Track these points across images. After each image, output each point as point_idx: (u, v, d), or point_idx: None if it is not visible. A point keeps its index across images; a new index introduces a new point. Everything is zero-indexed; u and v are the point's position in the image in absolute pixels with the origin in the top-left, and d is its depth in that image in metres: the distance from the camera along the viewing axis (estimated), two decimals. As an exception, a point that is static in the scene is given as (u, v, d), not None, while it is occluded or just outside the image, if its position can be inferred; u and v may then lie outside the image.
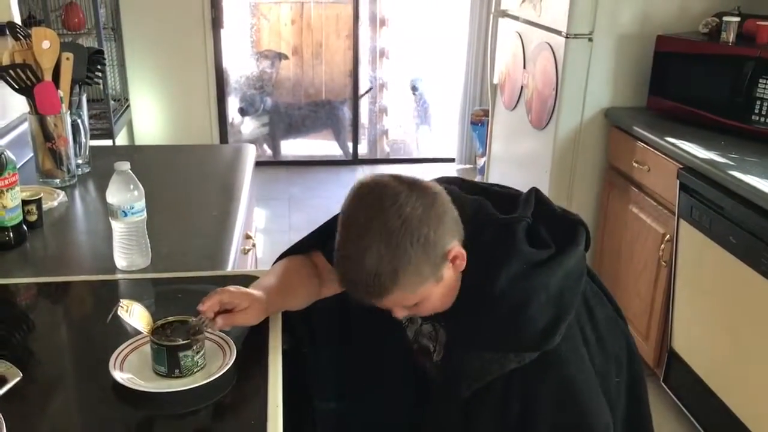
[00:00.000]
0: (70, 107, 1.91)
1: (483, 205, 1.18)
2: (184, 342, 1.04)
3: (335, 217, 1.38)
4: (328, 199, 4.41)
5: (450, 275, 1.11)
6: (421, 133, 5.55)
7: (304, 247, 1.39)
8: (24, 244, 1.54)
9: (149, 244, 1.46)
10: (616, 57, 2.76)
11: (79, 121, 1.96)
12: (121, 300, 1.05)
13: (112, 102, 3.98)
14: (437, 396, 1.26)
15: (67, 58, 1.84)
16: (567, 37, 2.73)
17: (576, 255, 1.15)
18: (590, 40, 2.72)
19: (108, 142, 3.85)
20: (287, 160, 5.27)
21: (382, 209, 1.03)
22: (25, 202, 1.59)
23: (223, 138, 4.76)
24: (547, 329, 1.10)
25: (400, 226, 1.02)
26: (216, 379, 1.05)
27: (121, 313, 1.03)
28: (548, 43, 2.89)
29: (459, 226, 1.11)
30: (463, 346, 1.17)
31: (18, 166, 1.99)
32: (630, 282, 2.66)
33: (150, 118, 4.57)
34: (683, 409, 2.35)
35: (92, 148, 2.13)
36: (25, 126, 2.00)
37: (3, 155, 1.42)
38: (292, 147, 5.39)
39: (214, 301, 1.13)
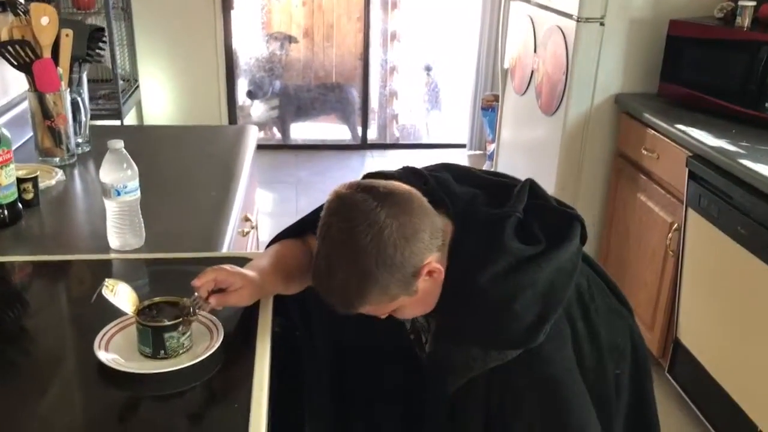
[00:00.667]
0: (70, 85, 1.89)
1: (473, 199, 1.16)
2: (169, 323, 1.03)
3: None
4: (336, 183, 4.35)
5: (427, 286, 1.10)
6: (432, 117, 5.50)
7: (298, 229, 1.36)
8: (19, 222, 1.53)
9: (143, 224, 1.44)
10: (628, 42, 2.70)
11: (79, 99, 1.94)
12: (106, 279, 1.03)
13: (120, 82, 3.97)
14: (428, 388, 1.25)
15: (67, 35, 1.82)
16: (578, 21, 2.68)
17: (569, 250, 1.12)
18: (602, 24, 2.67)
19: (116, 123, 3.85)
20: (296, 143, 5.25)
21: (352, 229, 1.03)
22: (21, 180, 1.58)
23: (232, 120, 4.74)
24: (532, 327, 1.08)
25: (367, 247, 1.02)
26: (202, 361, 1.03)
27: (105, 292, 1.01)
28: (559, 27, 2.84)
29: (437, 235, 1.09)
30: (448, 340, 1.16)
31: (18, 145, 1.99)
32: (637, 271, 2.62)
33: (159, 99, 4.55)
34: (687, 399, 2.32)
35: (93, 127, 2.12)
36: (25, 104, 1.98)
37: (-3, 132, 1.40)
38: (301, 130, 5.37)
39: (209, 278, 1.11)
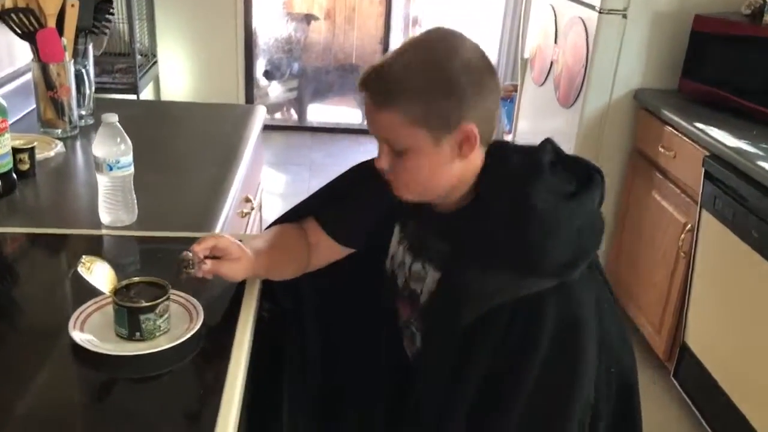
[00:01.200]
0: (74, 56, 1.87)
1: (505, 141, 1.14)
2: (146, 304, 1.00)
3: (330, 183, 1.33)
4: (349, 166, 4.34)
5: (450, 155, 1.03)
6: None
7: (297, 213, 1.33)
8: (13, 192, 1.51)
9: (136, 200, 1.41)
10: (650, 35, 2.63)
11: (83, 71, 1.92)
12: (83, 256, 1.00)
13: (138, 57, 3.95)
14: (431, 330, 1.15)
15: (72, 5, 1.79)
16: (600, 12, 2.60)
17: (596, 197, 1.08)
18: (624, 16, 2.59)
19: (132, 97, 3.83)
20: (311, 126, 5.21)
21: (439, 41, 1.04)
22: (17, 150, 1.55)
23: (249, 100, 4.71)
24: (570, 262, 1.02)
25: (439, 56, 1.01)
26: (179, 344, 1.00)
27: (81, 270, 0.98)
28: (581, 18, 2.77)
29: (490, 120, 1.05)
30: (477, 263, 1.05)
31: (22, 115, 1.97)
32: (647, 271, 2.56)
33: (177, 75, 4.53)
34: (690, 404, 2.26)
35: (99, 100, 2.09)
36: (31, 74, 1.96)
37: (-9, 100, 1.38)
38: (318, 113, 5.33)
39: (209, 244, 1.09)
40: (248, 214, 1.85)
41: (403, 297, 1.23)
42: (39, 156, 1.66)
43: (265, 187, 3.95)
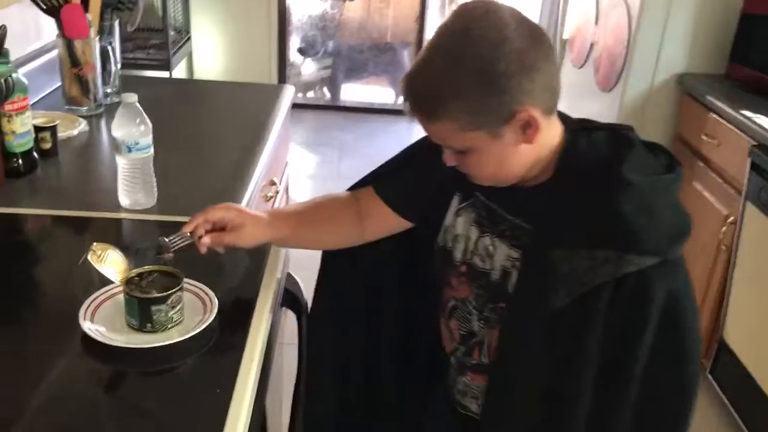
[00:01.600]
0: (100, 33, 1.83)
1: (582, 118, 1.06)
2: (157, 295, 0.96)
3: (392, 158, 1.25)
4: (381, 149, 4.28)
5: (515, 142, 0.97)
6: (486, 86, 5.33)
7: (363, 182, 1.26)
8: (34, 172, 1.49)
9: (155, 183, 1.38)
10: (697, 17, 2.51)
11: (109, 48, 1.89)
12: (93, 244, 0.97)
13: (171, 33, 3.92)
14: (518, 312, 1.05)
15: (98, -19, 1.75)
16: (644, -8, 2.49)
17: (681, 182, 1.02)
18: (670, -4, 2.48)
19: (165, 74, 3.81)
20: (344, 105, 5.16)
21: (473, 22, 0.92)
22: (38, 129, 1.53)
23: (282, 78, 4.67)
24: (672, 238, 0.96)
25: (479, 44, 0.91)
26: (190, 338, 0.96)
27: (91, 258, 0.95)
28: (623, -2, 2.66)
29: (550, 90, 0.97)
30: (566, 241, 0.97)
31: (48, 92, 1.95)
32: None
33: (210, 52, 4.50)
34: (727, 403, 2.18)
35: (126, 77, 2.06)
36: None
37: (11, 77, 1.35)
38: (351, 92, 5.27)
39: (197, 220, 1.07)
40: (273, 197, 1.81)
41: (458, 273, 1.15)
42: (62, 134, 1.63)
43: (294, 168, 3.93)
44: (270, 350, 1.04)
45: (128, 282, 0.98)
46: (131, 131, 1.30)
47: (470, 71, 0.91)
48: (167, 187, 1.41)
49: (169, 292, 0.96)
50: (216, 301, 1.03)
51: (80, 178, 1.54)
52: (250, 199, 1.48)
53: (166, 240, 1.05)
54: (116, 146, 1.31)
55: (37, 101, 1.87)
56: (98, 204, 1.38)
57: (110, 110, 1.89)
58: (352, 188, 1.27)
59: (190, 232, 1.07)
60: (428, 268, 1.23)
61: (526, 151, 0.99)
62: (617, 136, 1.03)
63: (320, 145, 4.40)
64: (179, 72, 4.27)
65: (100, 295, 1.02)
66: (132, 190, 1.35)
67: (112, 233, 1.30)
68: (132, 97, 1.30)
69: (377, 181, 1.22)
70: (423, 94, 0.95)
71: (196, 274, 1.06)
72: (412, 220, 1.21)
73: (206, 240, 1.05)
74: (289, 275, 1.28)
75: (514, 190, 1.07)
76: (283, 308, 1.30)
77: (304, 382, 1.25)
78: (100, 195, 1.43)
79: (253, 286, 1.12)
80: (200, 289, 1.06)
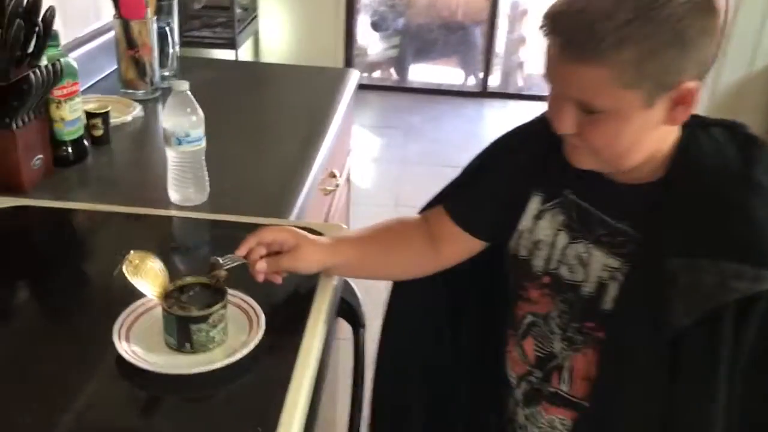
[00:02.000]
0: (157, 13, 1.75)
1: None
2: (197, 314, 0.86)
3: (461, 173, 1.12)
4: (449, 133, 4.13)
5: (660, 119, 0.83)
6: (561, 69, 5.09)
7: (425, 207, 1.14)
8: (84, 161, 1.42)
9: (207, 177, 1.28)
10: (806, -2, 2.27)
11: (167, 29, 1.80)
12: (131, 252, 0.87)
13: (238, 11, 3.85)
14: (624, 335, 0.91)
15: (156, -42, 1.67)
16: (746, -30, 2.27)
17: None
18: (775, -25, 2.24)
19: (230, 53, 3.75)
20: (411, 86, 5.01)
21: None
22: (90, 115, 1.45)
23: (348, 58, 4.56)
24: None
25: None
26: (232, 363, 0.86)
27: (126, 269, 0.85)
28: (721, -24, 2.43)
29: (705, 75, 0.83)
30: (687, 249, 0.84)
31: (105, 74, 1.88)
32: None
33: (276, 31, 4.42)
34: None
35: (185, 59, 1.98)
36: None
37: (59, 62, 1.27)
38: (419, 73, 5.11)
39: (251, 244, 0.96)
40: (332, 191, 1.70)
41: (539, 285, 1.01)
42: (115, 120, 1.56)
43: (358, 151, 3.81)
44: (321, 379, 0.93)
45: (167, 296, 0.89)
46: (181, 122, 1.20)
47: (656, 13, 0.76)
48: (220, 182, 1.31)
49: (211, 310, 0.86)
50: (263, 317, 0.93)
51: (131, 169, 1.47)
52: (308, 194, 1.37)
53: (220, 260, 0.94)
54: (166, 138, 1.22)
55: (94, 84, 1.81)
56: (148, 198, 1.29)
57: (167, 94, 1.81)
58: (422, 211, 1.14)
59: (244, 257, 0.97)
60: (495, 279, 1.10)
61: (658, 136, 0.86)
62: (738, 133, 0.89)
63: (386, 127, 4.27)
64: (245, 50, 4.21)
65: (138, 306, 0.92)
66: (182, 185, 1.26)
67: (159, 233, 1.21)
68: (183, 85, 1.20)
69: (446, 200, 1.09)
70: (592, 25, 0.77)
71: (241, 281, 0.96)
72: (488, 240, 1.08)
73: (262, 266, 0.95)
74: (346, 283, 1.17)
75: (615, 189, 0.93)
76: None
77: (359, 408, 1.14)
78: (150, 188, 1.34)
79: (305, 297, 1.01)
80: (245, 301, 0.95)
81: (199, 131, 1.23)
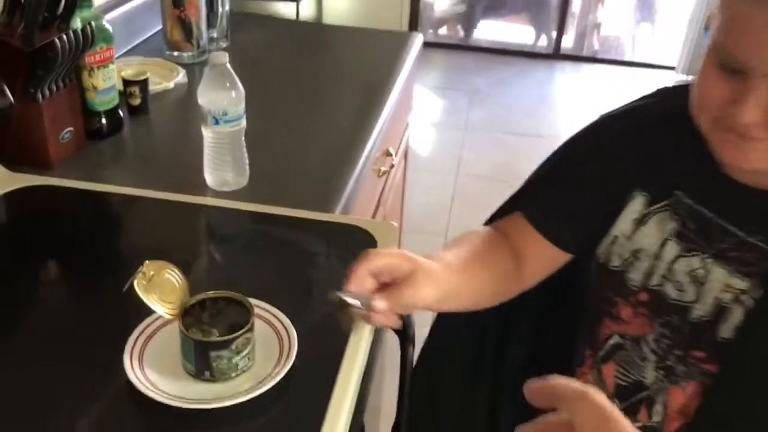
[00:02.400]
0: (207, -32, 1.61)
1: None
2: (217, 339, 0.74)
3: (537, 174, 0.94)
4: (516, 97, 3.91)
5: None
6: (641, 31, 4.76)
7: (496, 216, 0.97)
8: (119, 133, 1.31)
9: (247, 160, 1.15)
10: None
11: (216, -14, 1.67)
12: (146, 262, 0.75)
13: (301, -38, 3.68)
14: (740, 376, 0.78)
15: None
16: None
17: None
18: None
19: (291, 7, 3.60)
20: (478, 45, 4.76)
21: None
22: (127, 83, 1.34)
23: (414, 12, 4.34)
24: None
25: None
26: (259, 395, 0.74)
27: (138, 285, 0.73)
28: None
29: None
30: None
31: (151, 34, 1.76)
32: None
33: (340, -18, 4.24)
34: None
35: (236, 15, 1.83)
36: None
37: (90, 25, 1.15)
38: (487, 30, 4.86)
39: (362, 273, 0.76)
40: (387, 172, 1.56)
41: (634, 302, 0.86)
42: (157, 87, 1.45)
43: (418, 114, 3.63)
44: (360, 410, 0.81)
45: (186, 314, 0.77)
46: (219, 99, 1.07)
47: None
48: (261, 164, 1.19)
49: (234, 335, 0.74)
50: (295, 336, 0.80)
51: (169, 144, 1.35)
52: (358, 179, 1.24)
53: (347, 299, 0.76)
54: (202, 116, 1.10)
55: (137, 45, 1.69)
56: (184, 181, 1.17)
57: (215, 57, 1.69)
58: (490, 220, 0.97)
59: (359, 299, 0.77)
60: (567, 288, 0.95)
61: None
62: None
63: (448, 89, 4.08)
64: (307, 5, 4.05)
65: (154, 321, 0.81)
66: (219, 168, 1.14)
67: (193, 224, 1.09)
68: (222, 57, 1.07)
69: (529, 209, 0.92)
70: None
71: (270, 287, 0.83)
72: (576, 252, 0.92)
73: (382, 305, 0.75)
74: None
75: (744, 193, 0.77)
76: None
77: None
78: (188, 168, 1.21)
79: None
80: (275, 317, 0.83)
81: (239, 109, 1.09)
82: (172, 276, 0.77)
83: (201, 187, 1.15)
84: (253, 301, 0.80)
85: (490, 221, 0.98)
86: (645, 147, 0.85)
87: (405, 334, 1.03)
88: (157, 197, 1.10)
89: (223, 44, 1.72)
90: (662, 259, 0.83)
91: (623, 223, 0.86)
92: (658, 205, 0.84)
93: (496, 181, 2.98)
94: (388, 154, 1.56)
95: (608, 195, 0.87)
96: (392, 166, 1.59)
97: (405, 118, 1.87)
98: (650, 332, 0.85)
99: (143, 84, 1.35)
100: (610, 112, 0.91)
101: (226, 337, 0.74)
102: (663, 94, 0.89)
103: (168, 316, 0.75)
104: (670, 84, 0.92)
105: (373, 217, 1.52)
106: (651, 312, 0.84)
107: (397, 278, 0.77)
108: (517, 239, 0.91)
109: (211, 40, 1.68)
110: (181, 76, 1.52)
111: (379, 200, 1.57)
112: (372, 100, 1.49)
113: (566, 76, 4.34)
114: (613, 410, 0.54)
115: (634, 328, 0.86)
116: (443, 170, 3.13)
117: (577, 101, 3.99)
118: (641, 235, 0.85)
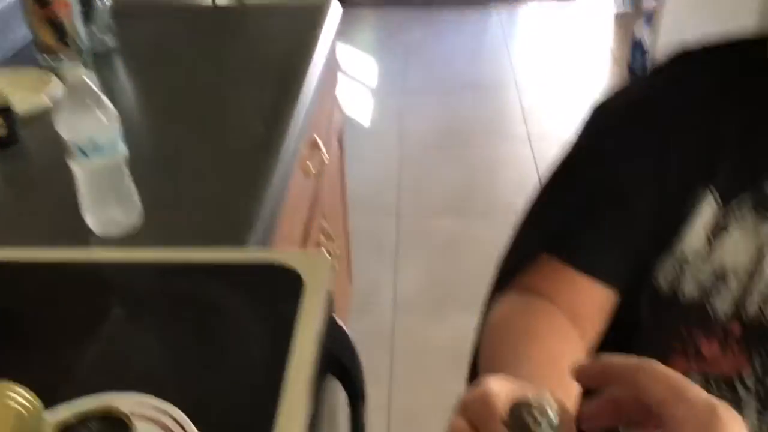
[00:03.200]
0: (70, -45, 1.36)
1: None
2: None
3: (545, 192, 0.74)
4: (453, 48, 3.71)
5: None
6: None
7: (513, 269, 0.74)
8: (-20, 174, 1.07)
9: (135, 193, 0.94)
10: None
11: (87, -27, 1.41)
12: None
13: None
14: None
15: None
16: None
17: None
18: None
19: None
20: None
21: None
22: (-16, 111, 1.10)
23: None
24: None
25: None
26: None
27: None
28: None
29: None
30: None
31: (21, 46, 1.50)
32: None
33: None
34: None
35: (119, 9, 1.58)
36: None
37: None
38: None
39: (461, 425, 0.45)
40: (318, 170, 1.35)
41: (722, 336, 0.66)
42: (28, 108, 1.21)
43: (353, 83, 3.41)
44: None
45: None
46: (82, 127, 0.85)
47: None
48: (157, 192, 0.98)
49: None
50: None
51: (44, 181, 1.10)
52: (279, 191, 1.04)
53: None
54: (66, 149, 0.87)
55: (10, 57, 1.44)
56: (62, 228, 0.95)
57: (104, 58, 1.44)
58: (505, 272, 0.75)
59: None
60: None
61: None
62: None
63: (382, 50, 3.86)
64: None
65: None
66: (102, 208, 0.92)
67: (62, 295, 0.84)
68: (77, 72, 0.84)
69: (574, 258, 0.69)
70: None
71: (164, 373, 0.63)
72: (621, 280, 0.71)
73: None
74: (336, 334, 0.83)
75: None
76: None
77: None
78: (70, 212, 0.98)
79: (267, 389, 0.68)
80: (172, 418, 0.63)
81: (111, 136, 0.87)
82: (13, 402, 0.57)
83: (84, 233, 0.93)
84: (138, 401, 0.61)
85: (504, 275, 0.74)
86: (706, 128, 0.64)
87: (353, 388, 0.84)
88: (30, 260, 0.86)
89: (111, 44, 1.48)
90: (762, 277, 0.63)
91: (693, 238, 0.66)
92: (737, 206, 0.64)
93: (444, 147, 2.79)
94: (316, 146, 1.35)
95: (660, 201, 0.66)
96: (323, 161, 1.37)
97: (332, 98, 1.66)
98: (747, 370, 0.66)
99: (7, 113, 1.11)
100: (628, 89, 0.73)
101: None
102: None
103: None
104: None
105: (308, 228, 1.32)
106: (748, 346, 0.65)
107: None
108: (571, 300, 0.69)
109: (91, 38, 1.44)
110: (54, 87, 1.28)
111: (312, 206, 1.37)
112: (289, 89, 1.27)
113: (500, 20, 4.14)
114: (678, 374, 0.41)
115: (722, 366, 0.67)
116: (385, 140, 2.93)
117: (518, 45, 3.81)
118: (724, 251, 0.65)
